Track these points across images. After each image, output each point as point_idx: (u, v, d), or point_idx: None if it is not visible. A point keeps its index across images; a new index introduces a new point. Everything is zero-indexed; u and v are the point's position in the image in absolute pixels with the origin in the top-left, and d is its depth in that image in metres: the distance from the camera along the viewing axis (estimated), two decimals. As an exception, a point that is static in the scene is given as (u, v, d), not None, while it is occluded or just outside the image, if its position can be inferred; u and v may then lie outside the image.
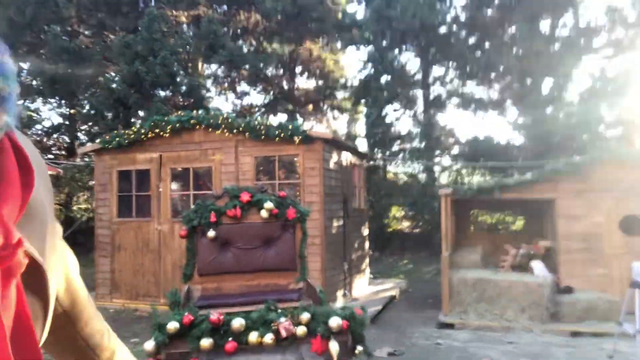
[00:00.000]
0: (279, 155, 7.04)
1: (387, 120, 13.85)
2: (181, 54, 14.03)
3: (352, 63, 34.91)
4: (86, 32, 16.86)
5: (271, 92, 17.87)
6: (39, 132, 17.02)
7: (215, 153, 7.31)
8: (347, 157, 8.00)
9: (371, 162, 12.26)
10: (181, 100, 14.40)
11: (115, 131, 7.83)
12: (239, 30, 16.11)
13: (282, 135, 6.76)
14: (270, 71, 16.09)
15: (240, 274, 3.93)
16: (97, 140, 7.90)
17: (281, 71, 16.71)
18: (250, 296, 3.71)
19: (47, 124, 17.20)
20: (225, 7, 16.48)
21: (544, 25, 13.28)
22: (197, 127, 7.28)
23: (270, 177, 7.22)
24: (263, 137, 6.87)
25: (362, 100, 14.78)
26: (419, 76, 14.49)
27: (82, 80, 15.32)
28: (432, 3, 11.71)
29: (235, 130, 7.06)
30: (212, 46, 14.02)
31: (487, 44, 14.02)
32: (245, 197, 3.97)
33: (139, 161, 7.70)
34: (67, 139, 17.94)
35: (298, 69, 16.47)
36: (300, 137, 6.65)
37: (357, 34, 14.65)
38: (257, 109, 17.51)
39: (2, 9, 14.61)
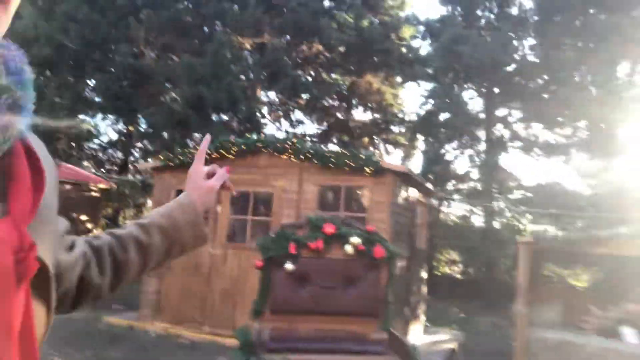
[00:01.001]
0: (345, 186, 6.65)
1: (446, 158, 13.31)
2: (243, 80, 14.12)
3: (411, 98, 34.67)
4: (151, 54, 17.36)
5: (325, 122, 17.72)
6: (96, 146, 17.47)
7: (279, 179, 7.00)
8: (413, 193, 7.52)
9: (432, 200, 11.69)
10: (238, 125, 14.41)
11: (179, 149, 7.68)
12: (299, 60, 16.13)
13: (352, 164, 6.38)
14: (327, 101, 15.95)
15: (316, 315, 3.49)
16: (161, 157, 7.78)
17: (337, 102, 16.56)
18: (327, 343, 3.26)
19: (103, 138, 17.68)
20: (288, 36, 16.62)
21: (622, 70, 12.59)
22: (264, 150, 7.01)
23: (334, 208, 6.82)
24: (331, 165, 6.51)
25: (420, 136, 14.35)
26: (481, 115, 13.95)
27: (143, 99, 15.66)
28: (505, 42, 11.29)
29: (302, 156, 6.74)
30: (274, 74, 14.03)
31: (554, 86, 13.40)
32: (329, 229, 3.57)
33: (199, 181, 7.48)
34: (121, 155, 18.33)
35: (355, 101, 16.27)
36: (371, 168, 6.25)
37: (419, 69, 14.35)
38: (310, 138, 17.34)
39: (79, 26, 15.24)
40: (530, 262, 6.61)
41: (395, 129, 15.92)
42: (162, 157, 7.71)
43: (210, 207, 1.01)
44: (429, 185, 8.14)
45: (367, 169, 6.28)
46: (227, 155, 7.25)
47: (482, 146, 14.17)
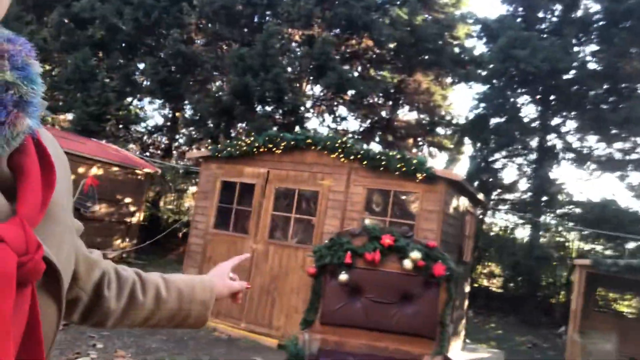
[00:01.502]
0: (394, 191, 6.42)
1: (495, 165, 12.82)
2: (290, 72, 13.99)
3: (461, 100, 33.59)
4: (200, 41, 17.46)
5: (369, 120, 17.43)
6: (142, 130, 17.77)
7: (325, 178, 6.83)
8: (463, 202, 7.21)
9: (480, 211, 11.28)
10: (282, 117, 14.32)
11: (228, 141, 7.62)
12: (347, 55, 15.88)
13: (403, 169, 6.14)
14: (372, 99, 15.65)
15: (367, 330, 3.30)
16: (208, 147, 7.74)
17: (383, 100, 16.23)
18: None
19: (150, 123, 17.96)
20: (338, 30, 16.37)
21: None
22: (313, 147, 6.85)
23: (381, 213, 6.61)
24: (382, 168, 6.28)
25: (468, 141, 13.88)
26: (534, 123, 13.36)
27: (190, 85, 15.78)
28: (566, 46, 10.71)
29: (352, 157, 6.55)
30: (322, 67, 13.84)
31: (615, 97, 12.67)
32: (387, 240, 3.36)
33: (245, 174, 7.41)
34: (165, 140, 18.59)
35: (402, 100, 15.90)
36: (423, 174, 5.99)
37: (472, 71, 13.85)
38: (352, 135, 17.11)
39: (132, 10, 15.47)
40: (585, 285, 6.24)
41: (441, 131, 15.47)
42: (209, 148, 7.67)
43: (221, 298, 1.06)
44: (480, 196, 7.79)
45: (419, 175, 6.02)
46: (275, 149, 7.13)
47: (533, 155, 13.59)
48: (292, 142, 6.96)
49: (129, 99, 17.77)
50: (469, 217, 7.68)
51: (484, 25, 13.64)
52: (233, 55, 13.62)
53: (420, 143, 16.14)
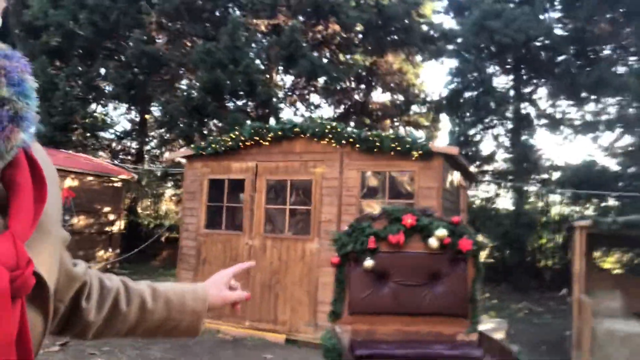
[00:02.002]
0: (389, 171, 6.30)
1: (474, 139, 12.89)
2: (259, 63, 13.68)
3: (432, 78, 33.40)
4: (162, 39, 16.90)
5: (342, 105, 17.29)
6: (111, 136, 17.13)
7: (317, 165, 6.66)
8: (456, 177, 7.17)
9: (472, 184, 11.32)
10: (255, 111, 14.02)
11: (203, 139, 7.34)
12: (315, 42, 15.64)
13: (398, 148, 6.02)
14: (345, 83, 15.49)
15: (396, 315, 3.18)
16: (192, 145, 7.44)
17: (355, 84, 16.09)
18: (416, 347, 2.95)
19: (117, 128, 17.32)
20: (301, 17, 16.10)
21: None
22: (302, 135, 6.66)
23: (379, 195, 6.50)
24: (376, 149, 6.15)
25: (444, 117, 13.91)
26: (509, 93, 13.47)
27: (156, 86, 15.27)
28: (536, 14, 10.75)
29: (343, 141, 6.39)
30: (292, 56, 13.57)
31: (582, 61, 12.87)
32: (409, 220, 3.23)
33: (233, 170, 7.17)
34: (135, 144, 18.00)
35: (374, 82, 15.80)
36: (420, 151, 5.89)
37: (442, 47, 13.85)
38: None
39: (88, 13, 14.80)
40: (584, 247, 6.29)
41: (416, 110, 15.46)
42: (192, 146, 7.38)
43: (214, 308, 1.01)
44: (472, 168, 7.77)
45: (415, 153, 5.92)
46: (262, 141, 6.91)
47: (510, 125, 13.72)
48: (280, 132, 6.75)
49: (93, 106, 17.11)
50: (462, 191, 7.66)
51: (452, 0, 13.62)
52: (199, 51, 13.20)
53: (397, 123, 16.11)
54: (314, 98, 17.58)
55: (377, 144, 6.12)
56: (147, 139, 16.81)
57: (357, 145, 6.29)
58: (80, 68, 15.98)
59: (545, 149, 14.97)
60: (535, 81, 13.87)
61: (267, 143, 6.92)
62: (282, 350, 6.11)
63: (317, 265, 6.46)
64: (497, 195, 14.35)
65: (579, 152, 31.93)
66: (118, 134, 16.56)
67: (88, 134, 15.93)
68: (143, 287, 0.91)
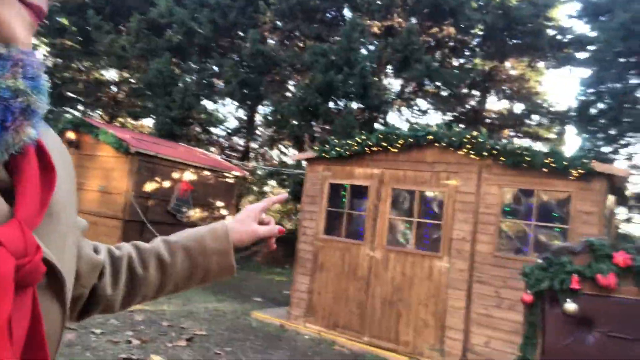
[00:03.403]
0: (537, 190, 5.65)
1: (608, 156, 11.58)
2: (374, 66, 13.37)
3: (556, 86, 31.01)
4: (274, 40, 17.20)
5: (451, 113, 16.49)
6: (221, 132, 17.76)
7: (450, 177, 6.17)
8: (611, 200, 6.31)
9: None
10: (364, 114, 13.73)
11: (336, 140, 7.13)
12: (430, 44, 15.04)
13: (552, 165, 5.36)
14: (459, 89, 14.71)
15: (600, 372, 2.63)
16: (315, 148, 7.29)
17: (468, 90, 15.24)
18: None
19: (228, 125, 17.92)
20: (415, 19, 15.57)
21: None
22: (435, 144, 6.21)
23: (523, 217, 5.87)
24: (525, 165, 5.54)
25: (572, 130, 12.67)
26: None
27: (269, 85, 15.54)
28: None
29: (484, 153, 5.84)
30: (406, 59, 13.11)
31: None
32: (620, 258, 2.68)
33: (356, 176, 6.89)
34: (242, 142, 18.52)
35: (492, 88, 14.85)
36: (580, 170, 5.19)
37: (571, 53, 12.62)
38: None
39: (209, 12, 15.43)
40: None
41: (538, 120, 14.28)
42: (317, 148, 7.21)
43: (244, 245, 0.97)
44: (628, 192, 6.84)
45: (573, 172, 5.23)
46: (391, 148, 6.55)
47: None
48: (411, 139, 6.35)
49: (205, 102, 17.85)
50: (612, 218, 6.76)
51: (587, 2, 12.36)
52: (314, 52, 13.17)
53: (512, 134, 15.03)
54: (421, 103, 16.97)
55: (527, 158, 5.50)
56: (254, 137, 17.19)
57: (502, 159, 5.70)
58: (192, 65, 16.74)
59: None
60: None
61: (395, 150, 6.55)
62: (404, 373, 5.71)
63: (446, 285, 5.97)
64: (628, 220, 12.85)
65: None
66: (229, 131, 17.09)
67: (198, 129, 16.64)
68: (157, 243, 0.89)
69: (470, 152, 5.97)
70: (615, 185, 5.96)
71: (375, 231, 6.61)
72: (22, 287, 0.46)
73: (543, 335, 2.71)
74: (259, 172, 15.68)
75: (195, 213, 10.68)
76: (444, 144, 6.17)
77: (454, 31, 14.76)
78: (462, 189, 6.06)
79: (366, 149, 6.72)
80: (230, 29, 15.91)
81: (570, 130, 13.15)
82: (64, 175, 0.59)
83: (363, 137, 6.81)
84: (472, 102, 15.29)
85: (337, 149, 6.92)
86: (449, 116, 16.54)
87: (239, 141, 18.51)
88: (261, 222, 1.00)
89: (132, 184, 9.28)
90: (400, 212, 6.87)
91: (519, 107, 14.53)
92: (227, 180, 11.61)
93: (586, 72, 12.36)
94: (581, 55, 12.42)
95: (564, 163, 5.28)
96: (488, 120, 14.90)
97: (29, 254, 0.47)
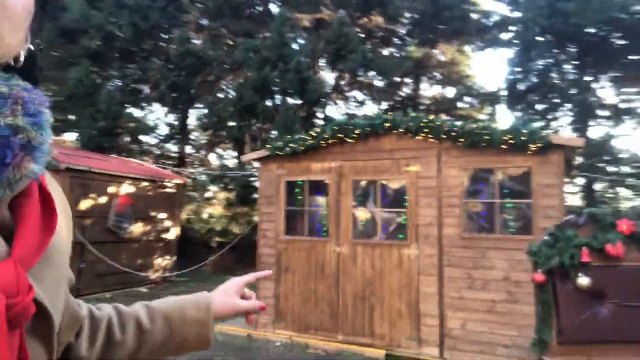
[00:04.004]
0: (498, 167, 5.68)
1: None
2: (308, 60, 13.14)
3: (488, 68, 31.98)
4: (199, 39, 16.50)
5: (385, 101, 16.67)
6: (153, 140, 16.80)
7: (411, 163, 6.08)
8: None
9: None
10: (306, 108, 13.50)
11: (290, 136, 6.83)
12: (361, 35, 15.06)
13: (511, 141, 5.41)
14: (393, 77, 14.86)
15: (615, 344, 2.58)
16: (268, 146, 6.94)
17: (403, 77, 15.45)
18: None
19: (160, 131, 16.97)
20: (343, 11, 15.54)
21: None
22: (395, 131, 6.09)
23: (486, 195, 5.89)
24: (484, 144, 5.55)
25: (502, 109, 13.19)
26: (576, 84, 12.67)
27: (201, 86, 14.87)
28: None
29: (443, 136, 5.79)
30: (340, 51, 13.01)
31: None
32: (624, 226, 2.63)
33: (313, 171, 6.64)
34: (176, 148, 17.65)
35: (424, 75, 15.13)
36: (539, 144, 5.27)
37: (497, 35, 13.12)
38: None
39: (128, 13, 14.49)
40: None
41: (470, 102, 14.74)
42: (269, 146, 6.87)
43: (222, 317, 0.96)
44: (576, 162, 7.10)
45: (532, 146, 5.30)
46: (347, 139, 6.37)
47: (573, 117, 12.93)
48: (368, 129, 6.19)
49: (131, 110, 16.80)
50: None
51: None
52: (245, 49, 12.74)
53: (447, 118, 15.42)
54: (357, 95, 17.02)
55: (486, 137, 5.51)
56: (189, 142, 16.43)
57: (461, 140, 5.68)
58: (119, 71, 15.71)
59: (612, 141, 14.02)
60: (601, 68, 13.04)
61: (352, 141, 6.37)
62: (385, 367, 5.56)
63: (417, 272, 5.89)
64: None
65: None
66: (161, 137, 16.21)
67: (127, 139, 15.63)
68: (138, 308, 0.88)
69: (429, 136, 5.90)
70: (566, 157, 6.15)
71: (340, 226, 6.40)
72: (11, 326, 0.46)
73: (557, 314, 2.61)
74: (200, 177, 15.01)
75: (137, 228, 9.96)
76: (402, 130, 6.06)
77: (383, 21, 14.90)
78: (423, 174, 5.99)
79: (322, 142, 6.49)
80: (153, 31, 15.05)
81: (501, 109, 13.63)
82: (64, 224, 0.60)
83: (317, 130, 6.57)
84: (407, 90, 15.51)
85: (291, 145, 6.63)
86: (385, 105, 16.69)
87: (172, 148, 17.64)
88: (243, 296, 1.00)
89: (64, 203, 8.44)
90: (363, 204, 6.71)
91: (450, 92, 14.93)
92: (168, 190, 10.95)
93: (511, 53, 12.90)
94: (505, 36, 12.93)
95: (523, 139, 5.33)
96: (423, 107, 15.19)
97: (21, 293, 0.46)
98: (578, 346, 2.59)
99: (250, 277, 1.04)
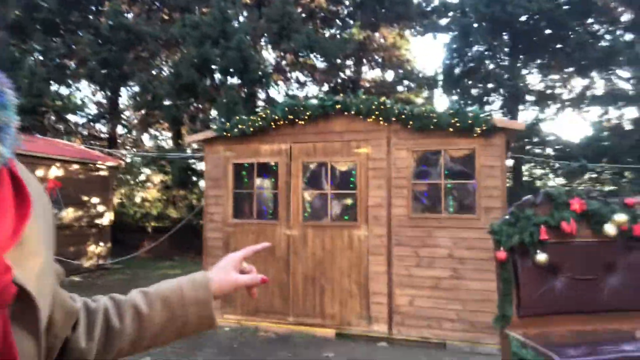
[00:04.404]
0: (445, 149, 5.85)
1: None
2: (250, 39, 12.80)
3: (426, 52, 32.51)
4: (133, 13, 15.58)
5: (328, 83, 16.68)
6: (82, 119, 15.76)
7: (361, 145, 6.13)
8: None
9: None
10: (246, 88, 13.20)
11: (238, 117, 6.62)
12: (303, 15, 14.88)
13: (457, 124, 5.58)
14: (335, 59, 14.86)
15: (570, 314, 2.76)
16: (214, 126, 6.70)
17: (345, 60, 15.49)
18: (609, 350, 2.54)
19: (88, 110, 15.92)
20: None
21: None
22: (344, 113, 6.09)
23: (432, 176, 6.05)
24: (432, 127, 5.69)
25: (439, 93, 13.62)
26: (502, 70, 13.31)
27: (134, 63, 14.08)
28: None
29: (393, 118, 5.87)
30: (284, 30, 12.79)
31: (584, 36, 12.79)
32: (576, 205, 2.80)
33: (262, 153, 6.52)
34: (106, 128, 16.67)
35: (365, 58, 15.25)
36: (483, 127, 5.47)
37: (436, 21, 13.46)
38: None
39: (52, -17, 13.35)
40: None
41: (408, 85, 15.06)
42: (216, 127, 6.65)
43: (223, 295, 0.93)
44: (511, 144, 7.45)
45: (477, 129, 5.50)
46: (297, 120, 6.29)
47: (504, 101, 13.60)
48: (320, 109, 6.15)
49: (57, 86, 15.63)
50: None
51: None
52: (184, 24, 12.18)
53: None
54: (299, 75, 16.87)
55: (434, 120, 5.65)
56: (122, 122, 15.58)
57: (411, 123, 5.79)
58: (42, 45, 14.51)
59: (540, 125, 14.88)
60: (528, 56, 13.77)
61: (302, 122, 6.31)
62: (338, 346, 5.64)
63: (367, 252, 5.99)
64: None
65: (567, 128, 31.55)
66: (90, 117, 15.23)
67: (55, 118, 14.57)
68: (134, 295, 0.86)
69: (380, 118, 5.96)
70: (507, 139, 6.45)
71: (290, 209, 6.35)
72: None
73: (517, 290, 2.74)
74: (129, 159, 14.30)
75: (67, 214, 9.35)
76: (353, 113, 6.07)
77: (324, 1, 14.79)
78: (373, 156, 6.06)
79: (271, 123, 6.36)
80: (81, 1, 14.00)
81: (437, 93, 14.07)
82: (41, 212, 0.59)
83: (267, 111, 6.43)
84: (348, 72, 15.58)
85: (240, 126, 6.45)
86: (326, 87, 16.69)
87: (102, 128, 16.67)
88: (242, 271, 0.97)
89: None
90: (313, 186, 6.69)
91: (390, 75, 15.17)
92: (101, 173, 10.35)
93: (448, 38, 13.29)
94: (443, 22, 13.27)
95: (469, 122, 5.52)
96: (363, 90, 15.33)
97: None
98: (537, 318, 2.73)
99: (246, 250, 1.01)
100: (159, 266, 11.60)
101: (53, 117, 13.41)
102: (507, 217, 2.82)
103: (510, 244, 2.74)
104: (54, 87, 15.16)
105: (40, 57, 14.08)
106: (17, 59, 12.89)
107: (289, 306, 6.27)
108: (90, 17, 14.57)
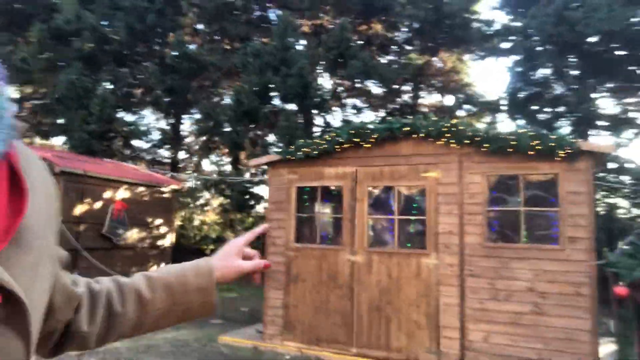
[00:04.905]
0: (522, 174, 5.48)
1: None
2: (309, 65, 12.94)
3: (487, 76, 32.13)
4: (196, 43, 16.20)
5: (382, 110, 16.52)
6: (146, 144, 16.37)
7: (429, 169, 5.86)
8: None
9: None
10: (302, 114, 13.26)
11: (302, 140, 6.56)
12: (361, 42, 14.92)
13: (537, 147, 5.22)
14: (393, 85, 14.72)
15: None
16: (278, 151, 6.67)
17: (402, 85, 15.33)
18: None
19: (153, 136, 16.54)
20: (342, 17, 15.39)
21: None
22: (414, 136, 5.87)
23: (511, 203, 5.68)
24: (510, 149, 5.35)
25: (502, 119, 13.12)
26: (571, 93, 12.66)
27: (198, 91, 14.55)
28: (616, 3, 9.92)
29: (466, 141, 5.59)
30: (341, 56, 12.83)
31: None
32: None
33: (326, 176, 6.38)
34: (169, 153, 17.23)
35: (425, 82, 15.03)
36: (567, 150, 5.08)
37: (498, 44, 13.08)
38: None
39: (123, 15, 14.15)
40: None
41: (469, 110, 14.64)
42: (280, 151, 6.61)
43: (227, 282, 0.94)
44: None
45: (560, 152, 5.12)
46: (363, 143, 6.13)
47: (568, 128, 12.88)
48: (387, 132, 5.96)
49: (123, 114, 16.37)
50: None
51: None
52: (246, 53, 12.49)
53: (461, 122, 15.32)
54: (354, 102, 16.85)
55: (512, 142, 5.32)
56: (183, 147, 16.05)
57: (485, 145, 5.48)
58: (111, 75, 15.30)
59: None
60: (601, 78, 13.05)
61: (368, 145, 6.13)
62: (405, 383, 5.28)
63: (437, 283, 5.64)
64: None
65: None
66: (154, 142, 15.80)
67: (120, 143, 15.20)
68: (137, 279, 0.85)
69: (451, 141, 5.70)
70: (595, 164, 5.98)
71: (355, 234, 6.13)
72: None
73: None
74: (191, 183, 14.62)
75: (132, 234, 9.57)
76: (422, 135, 5.85)
77: (382, 28, 14.79)
78: (443, 181, 5.77)
79: (336, 146, 6.24)
80: (148, 34, 14.72)
81: (501, 118, 13.58)
82: (43, 201, 0.57)
83: (332, 134, 6.32)
84: (405, 97, 15.38)
85: (303, 149, 6.36)
86: (382, 113, 16.54)
87: (164, 153, 17.24)
88: (245, 257, 0.97)
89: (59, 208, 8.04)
90: (379, 211, 6.45)
91: (450, 100, 14.84)
92: (164, 195, 10.58)
93: (511, 62, 12.84)
94: (505, 45, 12.88)
95: (551, 144, 5.15)
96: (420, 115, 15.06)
97: None
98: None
99: (249, 235, 1.00)
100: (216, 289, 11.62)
101: (120, 143, 13.97)
102: (625, 247, 2.48)
103: (631, 277, 2.39)
104: (120, 114, 15.92)
105: (110, 86, 14.82)
106: (89, 89, 13.62)
107: (352, 336, 5.98)
108: (156, 47, 15.25)
